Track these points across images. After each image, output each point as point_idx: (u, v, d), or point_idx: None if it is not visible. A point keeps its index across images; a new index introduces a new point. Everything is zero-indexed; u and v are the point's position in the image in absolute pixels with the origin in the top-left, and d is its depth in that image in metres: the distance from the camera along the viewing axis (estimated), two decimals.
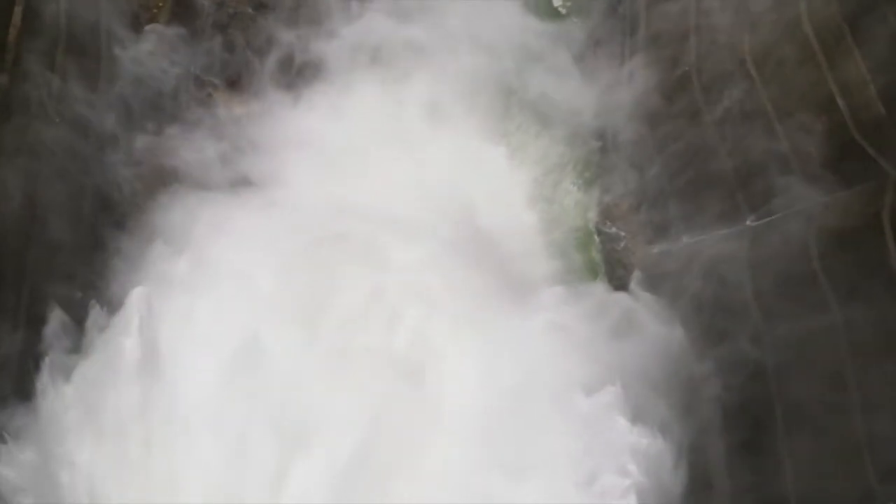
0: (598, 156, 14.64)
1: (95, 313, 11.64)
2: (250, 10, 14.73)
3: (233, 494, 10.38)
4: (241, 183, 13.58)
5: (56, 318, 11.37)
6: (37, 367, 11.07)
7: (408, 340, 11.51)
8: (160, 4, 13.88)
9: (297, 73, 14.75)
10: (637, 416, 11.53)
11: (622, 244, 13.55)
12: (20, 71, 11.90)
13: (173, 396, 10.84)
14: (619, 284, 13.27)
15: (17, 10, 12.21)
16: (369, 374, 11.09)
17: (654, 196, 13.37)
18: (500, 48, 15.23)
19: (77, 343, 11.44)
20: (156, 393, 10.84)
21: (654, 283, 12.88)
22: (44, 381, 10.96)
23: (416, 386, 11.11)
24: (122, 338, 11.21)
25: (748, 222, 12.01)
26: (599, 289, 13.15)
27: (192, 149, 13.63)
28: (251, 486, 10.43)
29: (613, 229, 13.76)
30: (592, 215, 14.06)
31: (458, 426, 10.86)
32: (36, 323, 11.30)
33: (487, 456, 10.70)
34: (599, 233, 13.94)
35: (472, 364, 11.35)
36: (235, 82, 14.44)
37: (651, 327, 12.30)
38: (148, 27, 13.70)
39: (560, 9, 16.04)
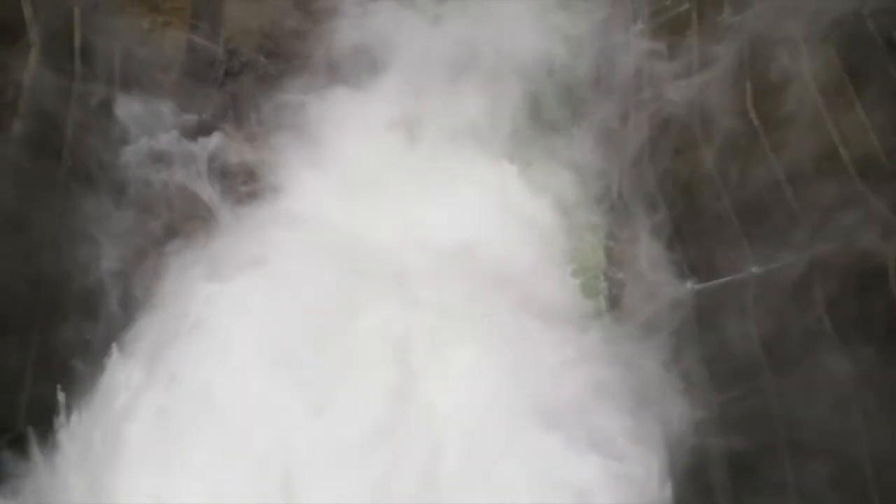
0: (605, 200, 14.78)
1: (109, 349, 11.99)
2: (262, 58, 14.94)
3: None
4: (250, 217, 13.83)
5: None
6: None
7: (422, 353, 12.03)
8: (173, 53, 14.09)
9: (309, 115, 14.90)
10: (636, 458, 11.63)
11: (627, 289, 13.60)
12: (33, 117, 12.06)
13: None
14: (625, 329, 13.30)
15: (34, 52, 12.41)
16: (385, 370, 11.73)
17: (659, 243, 13.48)
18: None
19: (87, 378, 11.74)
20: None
21: (659, 328, 12.94)
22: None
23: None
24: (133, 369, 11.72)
25: (753, 269, 12.13)
26: (604, 332, 13.19)
27: (204, 191, 13.87)
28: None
29: (619, 274, 13.83)
30: (600, 258, 14.14)
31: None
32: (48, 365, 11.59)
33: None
34: (606, 276, 14.01)
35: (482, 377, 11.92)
36: (247, 129, 14.57)
37: (656, 373, 12.37)
38: (160, 76, 13.86)
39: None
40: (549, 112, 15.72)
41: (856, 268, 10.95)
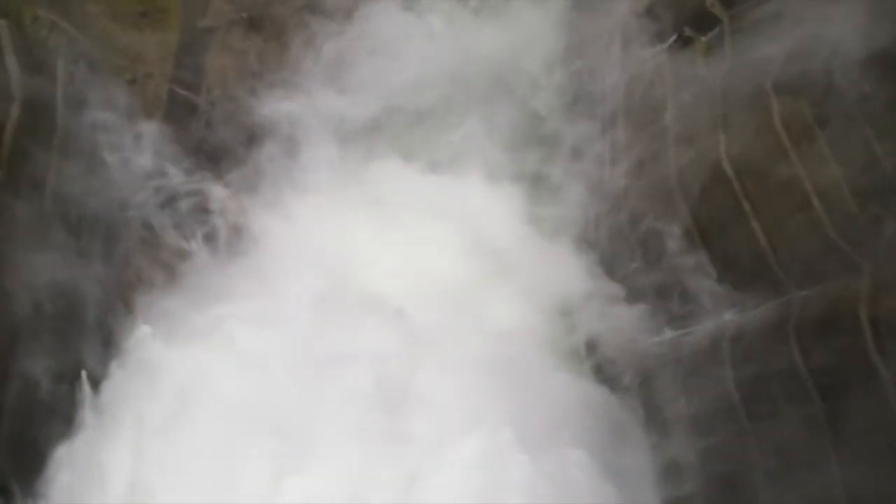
0: (581, 245, 14.93)
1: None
2: (243, 107, 15.11)
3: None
4: (231, 259, 14.05)
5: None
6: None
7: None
8: (156, 105, 14.23)
9: (296, 163, 15.06)
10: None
11: (605, 337, 13.69)
12: (15, 168, 12.11)
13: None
14: (603, 377, 13.41)
15: (15, 106, 12.49)
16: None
17: (637, 290, 13.62)
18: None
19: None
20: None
21: (637, 376, 13.05)
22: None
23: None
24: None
25: (728, 316, 12.27)
26: (583, 381, 13.26)
27: (186, 240, 14.02)
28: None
29: (596, 321, 13.92)
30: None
31: None
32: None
33: None
34: (583, 325, 14.11)
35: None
36: (228, 175, 14.71)
37: (634, 420, 12.56)
38: (144, 128, 13.98)
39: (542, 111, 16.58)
40: (529, 152, 16.01)
41: (829, 314, 11.10)
